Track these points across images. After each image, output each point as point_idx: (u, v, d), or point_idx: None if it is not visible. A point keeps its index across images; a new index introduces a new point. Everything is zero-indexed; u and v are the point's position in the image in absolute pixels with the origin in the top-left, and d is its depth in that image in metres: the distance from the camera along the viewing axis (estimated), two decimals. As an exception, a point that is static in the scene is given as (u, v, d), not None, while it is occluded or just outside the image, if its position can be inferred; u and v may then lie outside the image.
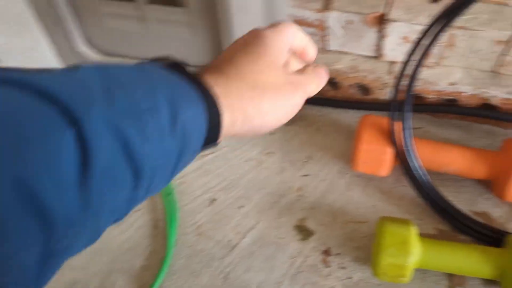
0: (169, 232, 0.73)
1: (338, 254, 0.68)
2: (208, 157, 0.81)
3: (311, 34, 0.75)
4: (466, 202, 0.71)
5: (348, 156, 0.78)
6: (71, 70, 0.25)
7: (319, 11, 0.72)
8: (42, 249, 0.22)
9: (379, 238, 0.59)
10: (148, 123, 0.25)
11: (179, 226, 0.73)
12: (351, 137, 0.79)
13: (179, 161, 0.29)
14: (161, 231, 0.74)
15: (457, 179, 0.73)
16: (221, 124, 0.33)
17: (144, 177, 0.25)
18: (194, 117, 0.29)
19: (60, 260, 0.25)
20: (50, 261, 0.22)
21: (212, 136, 0.33)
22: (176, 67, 0.32)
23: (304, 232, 0.71)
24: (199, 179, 0.78)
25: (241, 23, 0.70)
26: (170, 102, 0.27)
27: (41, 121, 0.20)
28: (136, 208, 0.72)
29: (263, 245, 0.71)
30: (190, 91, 0.30)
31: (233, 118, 0.34)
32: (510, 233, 0.62)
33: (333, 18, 0.71)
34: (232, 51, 0.37)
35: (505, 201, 0.68)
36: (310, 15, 0.73)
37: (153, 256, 0.72)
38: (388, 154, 0.67)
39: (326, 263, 0.68)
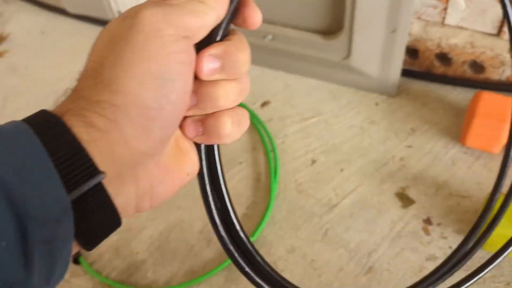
0: (272, 186, 0.78)
1: (439, 224, 0.70)
2: (310, 120, 0.85)
3: (432, 6, 0.76)
4: None
5: (454, 133, 0.79)
6: None
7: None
8: None
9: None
10: None
11: (280, 182, 0.78)
12: (459, 114, 0.80)
13: None
14: (263, 185, 0.79)
15: None
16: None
17: None
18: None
19: None
20: None
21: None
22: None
23: (405, 200, 0.74)
24: (300, 141, 0.82)
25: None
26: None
27: None
28: (239, 160, 0.77)
29: (363, 208, 0.74)
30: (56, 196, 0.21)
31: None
32: None
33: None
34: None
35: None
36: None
37: (254, 207, 0.77)
38: (503, 130, 0.68)
39: (426, 231, 0.70)
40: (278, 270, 0.66)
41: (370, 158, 0.78)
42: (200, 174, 0.33)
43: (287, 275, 0.70)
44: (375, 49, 0.73)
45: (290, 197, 0.76)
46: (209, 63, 0.26)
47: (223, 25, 0.28)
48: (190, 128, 0.29)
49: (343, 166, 0.78)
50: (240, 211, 0.76)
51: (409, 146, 0.79)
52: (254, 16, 0.29)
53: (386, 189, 0.74)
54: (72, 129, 0.22)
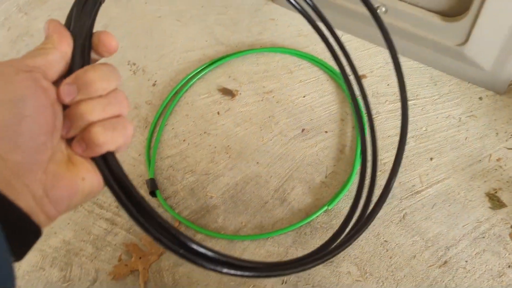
0: (355, 160, 0.76)
1: (529, 234, 0.66)
2: (405, 103, 0.81)
3: None
4: None
5: None
6: None
7: None
8: None
9: None
10: None
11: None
12: None
13: None
14: (346, 158, 0.78)
15: None
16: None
17: None
18: None
19: None
20: None
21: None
22: None
23: (495, 202, 0.70)
24: (392, 121, 0.80)
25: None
26: None
27: None
28: (325, 129, 0.76)
29: (447, 200, 0.71)
30: None
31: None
32: None
33: None
34: None
35: None
36: None
37: (334, 177, 0.76)
38: None
39: (514, 239, 0.66)
40: (347, 244, 0.65)
41: (463, 152, 0.75)
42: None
43: (356, 251, 0.70)
44: (496, 39, 0.69)
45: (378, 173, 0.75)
46: (64, 89, 0.32)
47: (76, 59, 0.34)
48: (76, 147, 0.33)
49: (433, 155, 0.76)
50: (318, 178, 0.76)
51: (510, 148, 0.75)
52: (107, 45, 0.37)
53: (476, 187, 0.71)
54: None
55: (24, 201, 0.28)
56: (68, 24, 0.36)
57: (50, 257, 0.74)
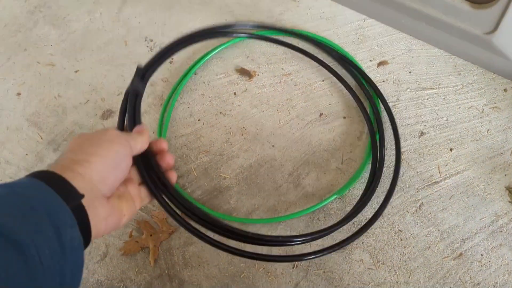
0: (372, 145, 0.75)
1: (549, 230, 0.65)
2: (427, 91, 0.80)
3: None
4: None
5: None
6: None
7: None
8: None
9: None
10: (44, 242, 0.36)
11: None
12: None
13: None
14: (363, 144, 0.77)
15: None
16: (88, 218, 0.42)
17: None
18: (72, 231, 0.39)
19: None
20: None
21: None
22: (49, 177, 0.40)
23: (515, 196, 0.69)
24: (412, 109, 0.78)
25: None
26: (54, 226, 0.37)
27: None
28: (343, 114, 0.74)
29: (465, 192, 0.70)
30: (65, 211, 0.39)
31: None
32: None
33: None
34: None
35: None
36: None
37: (350, 164, 0.75)
38: None
39: (532, 234, 0.65)
40: (361, 232, 0.65)
41: (485, 144, 0.74)
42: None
43: (370, 239, 0.69)
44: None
45: (389, 162, 0.74)
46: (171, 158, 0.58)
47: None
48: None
49: (453, 146, 0.74)
50: (334, 164, 0.75)
51: (533, 142, 0.73)
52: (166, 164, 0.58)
53: (496, 180, 0.70)
54: (65, 178, 0.41)
55: (93, 215, 0.42)
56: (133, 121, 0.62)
57: (62, 230, 0.74)
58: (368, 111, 0.78)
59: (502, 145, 0.73)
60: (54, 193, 0.38)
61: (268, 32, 0.89)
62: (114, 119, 0.84)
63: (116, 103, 0.86)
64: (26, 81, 0.92)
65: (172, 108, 0.84)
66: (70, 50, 0.95)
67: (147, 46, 0.93)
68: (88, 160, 0.43)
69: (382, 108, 0.79)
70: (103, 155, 0.44)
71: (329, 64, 0.84)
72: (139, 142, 0.52)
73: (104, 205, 0.43)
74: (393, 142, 0.75)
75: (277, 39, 0.88)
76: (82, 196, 0.40)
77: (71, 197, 0.39)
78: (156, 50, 0.92)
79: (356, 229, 0.67)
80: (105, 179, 0.44)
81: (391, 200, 0.71)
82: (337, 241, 0.65)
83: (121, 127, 0.65)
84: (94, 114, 0.86)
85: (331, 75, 0.84)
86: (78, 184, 0.40)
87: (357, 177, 0.72)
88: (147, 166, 0.55)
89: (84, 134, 0.47)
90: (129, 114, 0.65)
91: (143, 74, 0.76)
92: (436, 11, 0.78)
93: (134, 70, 0.87)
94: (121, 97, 0.83)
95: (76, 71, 0.92)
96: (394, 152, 0.75)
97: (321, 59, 0.85)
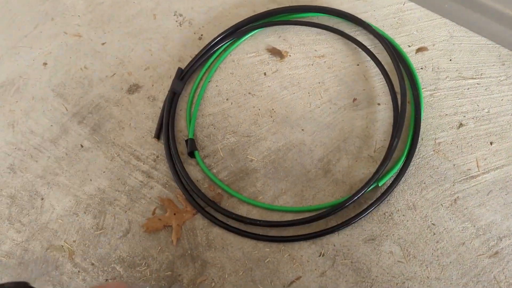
0: (408, 136, 0.72)
1: None
2: (468, 81, 0.77)
3: None
4: None
5: None
6: None
7: None
8: None
9: None
10: None
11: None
12: None
13: None
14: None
15: None
16: None
17: None
18: None
19: None
20: None
21: None
22: None
23: (558, 195, 0.65)
24: (451, 99, 0.75)
25: None
26: None
27: None
28: (378, 101, 0.71)
29: (505, 188, 0.67)
30: None
31: None
32: None
33: None
34: None
35: None
36: None
37: (382, 152, 0.73)
38: None
39: None
40: (392, 223, 0.63)
41: (528, 139, 0.70)
42: None
43: (401, 231, 0.67)
44: None
45: (424, 153, 0.71)
46: None
47: None
48: None
49: (494, 140, 0.71)
50: (366, 152, 0.73)
51: None
52: None
53: (539, 178, 0.67)
54: None
55: None
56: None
57: (84, 204, 0.74)
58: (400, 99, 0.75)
59: (547, 142, 0.70)
60: None
61: (303, 15, 0.86)
62: (141, 94, 0.83)
63: (143, 78, 0.84)
64: (52, 51, 0.90)
65: (205, 89, 0.82)
66: (97, 21, 0.93)
67: (176, 21, 0.91)
68: None
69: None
70: None
71: (368, 46, 0.81)
72: None
73: None
74: (427, 130, 0.72)
75: (311, 22, 0.85)
76: None
77: None
78: (186, 25, 0.90)
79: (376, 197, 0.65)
80: None
81: (425, 192, 0.68)
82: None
83: (159, 126, 0.76)
84: (120, 88, 0.85)
85: (367, 59, 0.81)
86: None
87: (396, 167, 0.69)
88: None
89: None
90: (166, 112, 0.77)
91: (183, 75, 0.83)
92: (484, -4, 0.74)
93: (162, 44, 0.85)
94: (148, 72, 0.82)
95: (103, 43, 0.90)
96: (432, 143, 0.72)
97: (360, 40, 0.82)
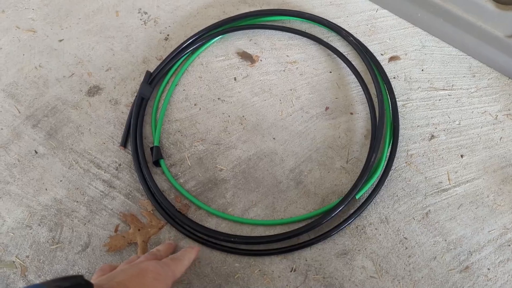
0: (385, 147, 0.72)
1: (558, 247, 0.64)
2: (439, 92, 0.78)
3: None
4: None
5: None
6: None
7: None
8: None
9: None
10: None
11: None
12: None
13: None
14: (369, 143, 0.74)
15: None
16: None
17: None
18: None
19: None
20: None
21: None
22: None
23: (526, 209, 0.67)
24: (423, 110, 0.76)
25: None
26: None
27: None
28: (351, 110, 0.71)
29: (475, 202, 0.68)
30: None
31: None
32: None
33: None
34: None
35: None
36: None
37: (355, 163, 0.72)
38: None
39: (541, 250, 0.64)
40: (364, 237, 0.62)
41: (497, 153, 0.72)
42: None
43: (373, 245, 0.66)
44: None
45: (396, 165, 0.71)
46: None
47: None
48: None
49: (464, 152, 0.72)
50: (338, 163, 0.72)
51: (546, 154, 0.71)
52: None
53: (507, 191, 0.68)
54: None
55: None
56: None
57: (38, 215, 0.69)
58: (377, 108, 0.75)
59: (515, 155, 0.71)
60: None
61: (275, 17, 0.84)
62: (102, 97, 0.79)
63: (104, 79, 0.80)
64: (3, 47, 0.84)
65: (171, 93, 0.79)
66: (54, 16, 0.88)
67: (141, 19, 0.87)
68: None
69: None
70: None
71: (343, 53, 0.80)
72: (181, 272, 0.57)
73: None
74: (399, 141, 0.72)
75: (285, 26, 0.83)
76: None
77: None
78: (151, 24, 0.86)
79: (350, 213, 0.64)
80: None
81: (397, 205, 0.68)
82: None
83: (126, 133, 0.73)
84: (79, 89, 0.80)
85: (339, 67, 0.81)
86: None
87: (373, 179, 0.69)
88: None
89: (134, 276, 0.51)
90: (134, 119, 0.74)
91: (151, 79, 0.79)
92: (457, 7, 0.75)
93: (125, 44, 0.81)
94: (110, 73, 0.78)
95: (60, 40, 0.85)
96: (404, 154, 0.72)
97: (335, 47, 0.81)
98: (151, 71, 0.80)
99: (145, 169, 0.69)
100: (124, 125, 0.75)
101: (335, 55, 0.81)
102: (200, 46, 0.82)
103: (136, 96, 0.77)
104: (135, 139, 0.72)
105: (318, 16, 0.83)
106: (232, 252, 0.66)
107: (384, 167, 0.70)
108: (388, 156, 0.71)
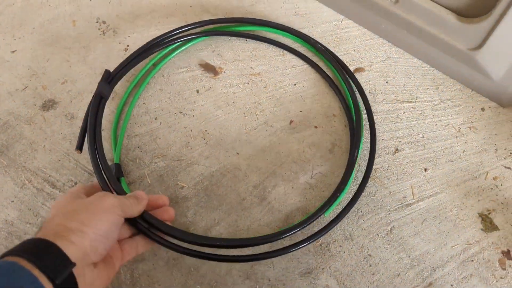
0: (354, 165, 0.72)
1: (519, 261, 0.65)
2: (403, 104, 0.78)
3: None
4: None
5: None
6: None
7: None
8: None
9: None
10: None
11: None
12: None
13: None
14: (335, 158, 0.75)
15: None
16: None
17: None
18: None
19: None
20: None
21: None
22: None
23: (488, 223, 0.69)
24: (387, 123, 0.76)
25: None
26: None
27: None
28: (314, 124, 0.71)
29: (438, 217, 0.69)
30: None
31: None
32: None
33: None
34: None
35: None
36: None
37: (320, 179, 0.72)
38: None
39: (503, 265, 0.65)
40: (328, 255, 0.62)
41: (460, 166, 0.73)
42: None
43: (337, 263, 0.66)
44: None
45: (360, 180, 0.71)
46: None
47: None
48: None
49: (428, 166, 0.73)
50: (303, 178, 0.72)
51: (508, 167, 0.73)
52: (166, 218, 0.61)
53: (469, 206, 0.69)
54: (58, 246, 0.42)
55: (81, 283, 0.44)
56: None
57: (-12, 239, 0.66)
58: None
59: (477, 168, 0.72)
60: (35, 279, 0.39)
61: (241, 28, 0.83)
62: (57, 111, 0.76)
63: (60, 93, 0.77)
64: (-50, 59, 0.80)
65: (133, 106, 0.76)
66: (6, 25, 0.84)
67: (99, 29, 0.85)
68: (82, 230, 0.45)
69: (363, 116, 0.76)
70: (97, 226, 0.47)
71: (303, 67, 0.79)
72: (136, 212, 0.54)
73: (92, 271, 0.46)
74: (362, 156, 0.72)
75: (253, 34, 0.82)
76: (74, 265, 0.42)
77: (62, 265, 0.41)
78: (109, 34, 0.84)
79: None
80: (97, 248, 0.46)
81: (362, 221, 0.68)
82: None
83: (82, 135, 0.68)
84: (33, 103, 0.77)
85: (303, 79, 0.80)
86: (71, 252, 0.43)
87: (343, 195, 0.68)
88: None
89: (79, 199, 0.51)
90: (91, 119, 0.67)
91: (111, 78, 0.75)
92: (420, 20, 0.75)
93: (82, 55, 0.78)
94: (66, 86, 0.75)
95: (13, 51, 0.82)
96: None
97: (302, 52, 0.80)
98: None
99: (103, 184, 0.67)
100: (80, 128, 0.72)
101: (299, 67, 0.81)
102: (163, 58, 0.80)
103: (93, 95, 0.71)
104: (93, 144, 0.68)
105: (284, 25, 0.82)
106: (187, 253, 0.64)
107: (359, 184, 0.70)
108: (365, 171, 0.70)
